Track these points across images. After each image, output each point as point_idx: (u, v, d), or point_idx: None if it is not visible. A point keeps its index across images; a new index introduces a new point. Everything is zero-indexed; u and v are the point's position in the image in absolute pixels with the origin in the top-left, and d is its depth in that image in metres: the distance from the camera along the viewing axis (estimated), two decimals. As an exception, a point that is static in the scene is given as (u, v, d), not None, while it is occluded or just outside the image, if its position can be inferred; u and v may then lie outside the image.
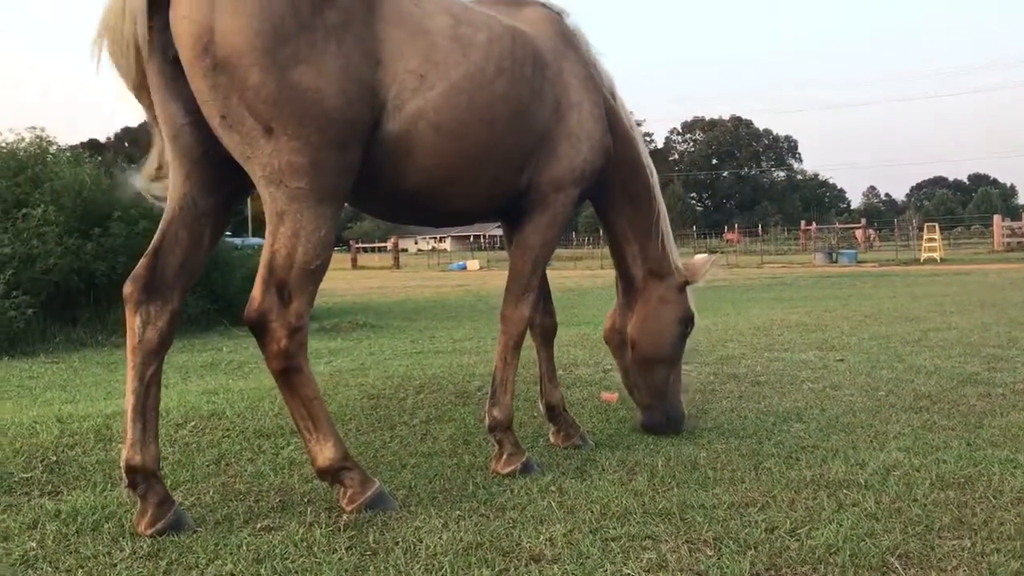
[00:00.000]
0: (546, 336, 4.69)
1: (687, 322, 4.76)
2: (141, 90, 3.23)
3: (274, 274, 3.17)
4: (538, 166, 4.00)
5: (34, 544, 3.11)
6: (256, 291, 3.19)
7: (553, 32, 4.18)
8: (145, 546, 3.08)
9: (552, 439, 4.65)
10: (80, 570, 2.89)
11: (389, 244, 60.01)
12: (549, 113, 3.97)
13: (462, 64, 3.56)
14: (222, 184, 3.36)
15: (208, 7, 2.98)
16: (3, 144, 12.84)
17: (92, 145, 36.66)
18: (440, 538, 3.16)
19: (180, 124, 3.23)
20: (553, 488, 3.78)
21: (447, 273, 39.10)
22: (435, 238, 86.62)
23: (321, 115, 3.11)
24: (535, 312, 4.38)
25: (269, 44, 3.01)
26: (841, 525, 3.22)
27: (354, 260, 51.79)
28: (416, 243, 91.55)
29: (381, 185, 3.56)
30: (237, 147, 3.11)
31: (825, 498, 3.57)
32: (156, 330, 3.22)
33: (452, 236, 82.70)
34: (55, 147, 13.20)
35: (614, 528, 3.24)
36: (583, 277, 27.73)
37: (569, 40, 4.26)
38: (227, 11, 2.98)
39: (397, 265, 48.74)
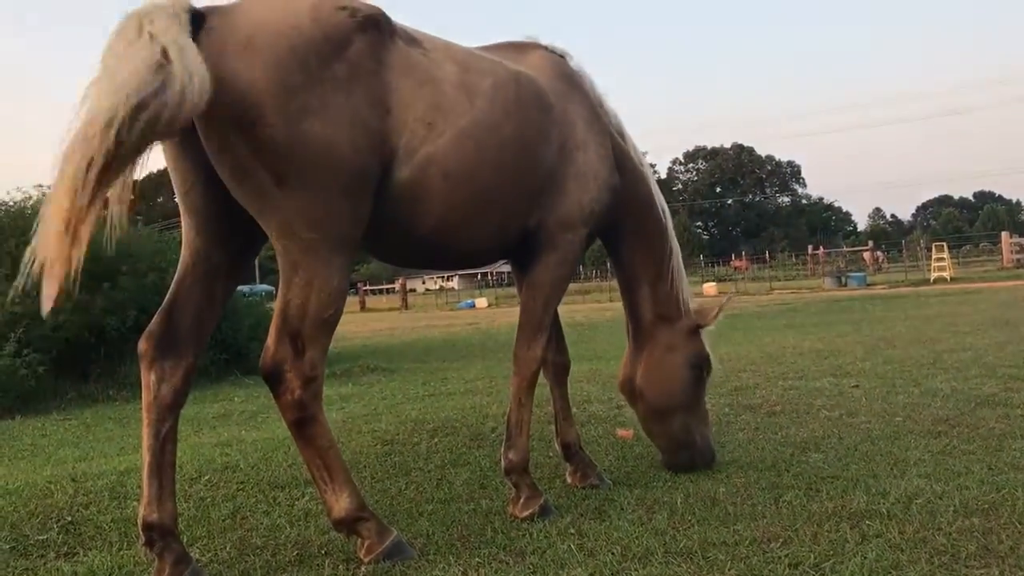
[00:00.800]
0: (559, 374, 4.67)
1: (700, 366, 4.66)
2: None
3: (288, 324, 3.17)
4: (546, 206, 4.01)
5: (51, 608, 3.08)
6: (270, 341, 3.20)
7: (556, 75, 4.22)
8: (163, 606, 3.05)
9: (569, 479, 4.61)
10: (98, 634, 2.86)
11: (397, 285, 60.11)
12: (555, 154, 3.99)
13: (469, 111, 3.59)
14: (233, 238, 3.39)
15: (221, 60, 3.00)
16: (10, 203, 12.98)
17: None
18: (460, 586, 3.12)
19: (192, 181, 3.27)
20: (572, 530, 3.74)
21: (456, 312, 39.08)
22: (443, 277, 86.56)
23: (332, 166, 3.13)
24: (548, 351, 4.35)
25: (280, 96, 3.04)
26: (866, 558, 3.17)
27: (362, 303, 51.83)
28: (424, 283, 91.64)
29: (393, 232, 3.57)
30: (250, 200, 3.14)
31: (848, 530, 3.52)
32: (171, 386, 3.23)
33: (459, 274, 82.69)
34: (62, 204, 13.30)
35: (636, 570, 3.20)
36: (592, 311, 27.67)
37: (573, 82, 4.30)
38: (240, 66, 3.01)
39: (406, 306, 48.74)
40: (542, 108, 3.97)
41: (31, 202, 13.08)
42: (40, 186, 13.20)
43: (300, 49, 3.10)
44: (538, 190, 3.95)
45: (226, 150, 3.07)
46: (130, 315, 10.98)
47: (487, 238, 3.90)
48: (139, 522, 3.20)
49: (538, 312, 4.11)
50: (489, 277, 71.65)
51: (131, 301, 11.05)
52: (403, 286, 54.37)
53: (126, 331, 10.84)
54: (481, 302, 44.96)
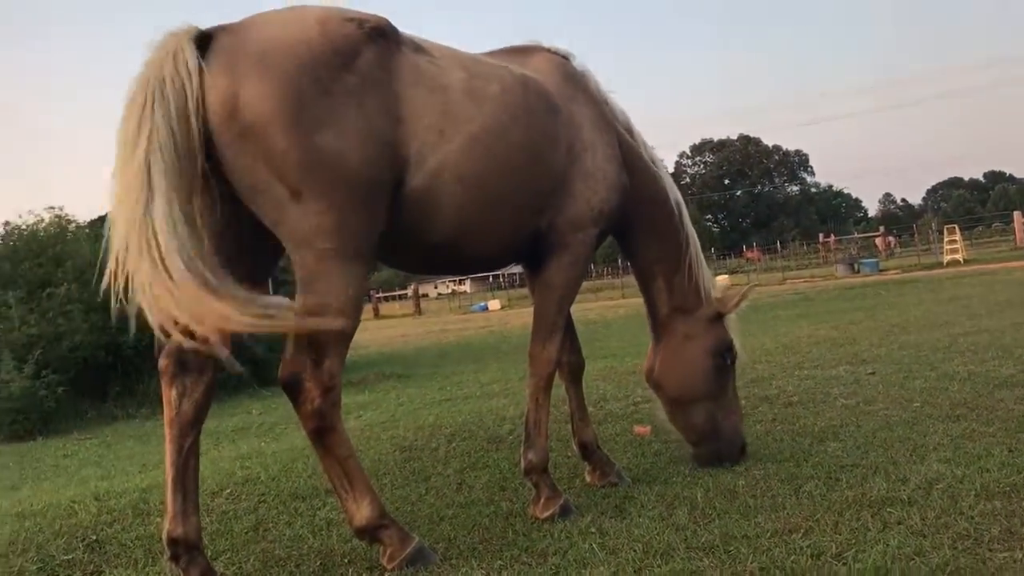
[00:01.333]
0: (574, 374, 4.68)
1: (723, 353, 4.65)
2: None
3: (306, 335, 3.20)
4: (556, 208, 4.03)
5: (80, 627, 3.11)
6: (288, 351, 3.24)
7: (561, 76, 4.24)
8: (190, 621, 3.07)
9: (588, 478, 4.62)
10: (127, 651, 2.89)
11: (410, 291, 60.15)
12: (563, 156, 4.01)
13: (478, 116, 3.62)
14: (249, 255, 3.43)
15: (234, 78, 3.06)
16: (24, 226, 13.08)
17: (110, 219, 37.26)
18: (483, 590, 3.13)
19: (209, 196, 3.28)
20: (593, 529, 3.75)
21: (469, 315, 39.13)
22: (455, 281, 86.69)
23: (346, 176, 3.16)
24: (562, 351, 4.36)
25: (292, 110, 3.07)
26: (888, 545, 3.17)
27: (376, 310, 51.93)
28: (436, 287, 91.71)
29: (408, 239, 3.61)
30: (266, 213, 3.18)
31: (869, 518, 3.52)
32: (192, 402, 3.27)
33: (471, 278, 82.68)
34: (74, 224, 13.44)
35: (658, 566, 3.20)
36: (605, 308, 27.64)
37: (578, 82, 4.32)
38: (253, 81, 3.06)
39: (419, 311, 48.82)
40: (549, 110, 3.99)
41: (43, 224, 13.17)
42: (51, 208, 13.31)
43: (310, 63, 3.14)
44: (548, 192, 3.97)
45: (242, 166, 3.11)
46: (146, 332, 11.03)
47: (500, 241, 3.93)
48: (164, 537, 3.23)
49: (552, 313, 4.12)
50: (501, 279, 71.52)
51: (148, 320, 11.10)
52: (416, 292, 54.46)
53: (142, 348, 10.91)
54: (494, 304, 44.99)
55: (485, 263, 4.24)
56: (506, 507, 4.26)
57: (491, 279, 76.40)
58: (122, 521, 4.58)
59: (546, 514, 3.98)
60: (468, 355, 15.54)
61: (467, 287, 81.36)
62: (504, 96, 3.78)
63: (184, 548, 3.20)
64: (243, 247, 3.39)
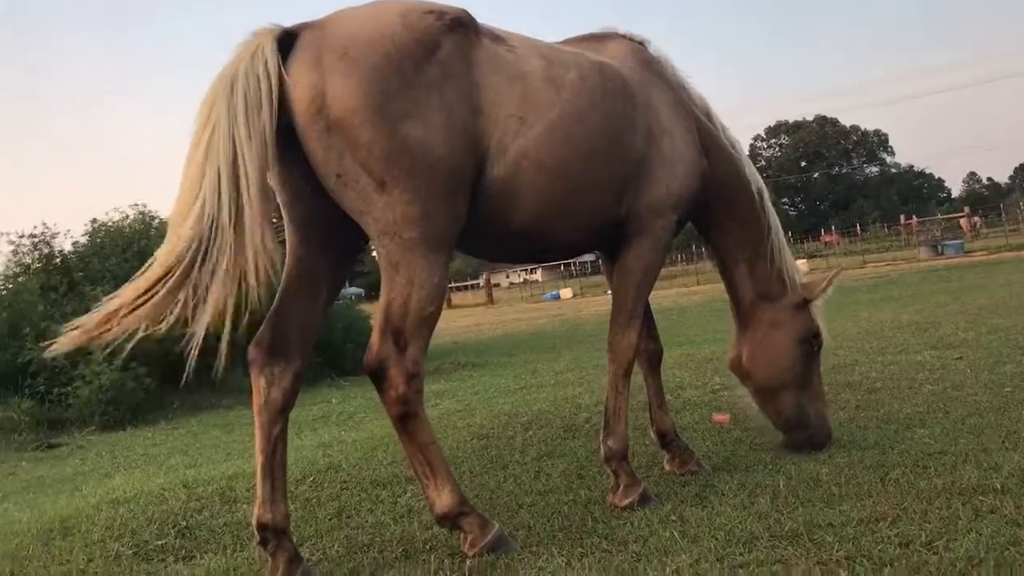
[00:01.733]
0: (652, 361, 4.65)
1: (809, 340, 4.57)
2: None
3: (390, 322, 3.27)
4: (636, 194, 4.01)
5: (175, 610, 3.21)
6: (374, 339, 3.30)
7: (638, 62, 4.22)
8: (278, 605, 3.14)
9: (667, 467, 4.59)
10: (220, 633, 2.97)
11: (482, 280, 60.53)
12: (642, 141, 4.00)
13: (557, 103, 3.65)
14: (335, 244, 3.53)
15: (320, 73, 3.15)
16: (110, 223, 13.54)
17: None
18: (565, 577, 3.14)
19: (296, 191, 3.40)
20: (674, 517, 3.72)
21: (541, 304, 39.18)
22: (526, 270, 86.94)
23: (430, 166, 3.22)
24: (641, 339, 4.33)
25: (377, 102, 3.15)
26: (981, 534, 3.07)
27: (449, 299, 52.35)
28: (508, 276, 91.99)
29: (488, 227, 3.64)
30: (352, 203, 3.24)
31: (960, 506, 3.42)
32: (280, 390, 3.37)
33: (543, 267, 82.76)
34: (157, 220, 13.86)
35: (741, 554, 3.16)
36: (680, 295, 27.38)
37: (654, 68, 4.30)
38: (337, 75, 3.14)
39: (491, 300, 49.08)
40: (627, 96, 3.98)
41: (127, 221, 13.62)
42: (135, 205, 13.75)
43: (394, 55, 3.21)
44: (627, 178, 3.96)
45: (330, 159, 3.19)
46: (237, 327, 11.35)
47: (579, 228, 3.94)
48: (254, 522, 3.33)
49: (631, 299, 4.11)
50: (572, 268, 71.42)
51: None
52: (488, 281, 54.75)
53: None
54: (566, 293, 44.94)
55: (564, 250, 4.25)
56: (584, 495, 4.26)
57: (563, 268, 76.39)
58: (210, 508, 4.71)
59: (625, 502, 3.97)
60: (541, 344, 15.57)
61: (539, 276, 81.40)
62: (582, 82, 3.78)
63: (273, 533, 3.29)
64: (331, 238, 3.49)
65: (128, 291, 3.04)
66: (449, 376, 11.39)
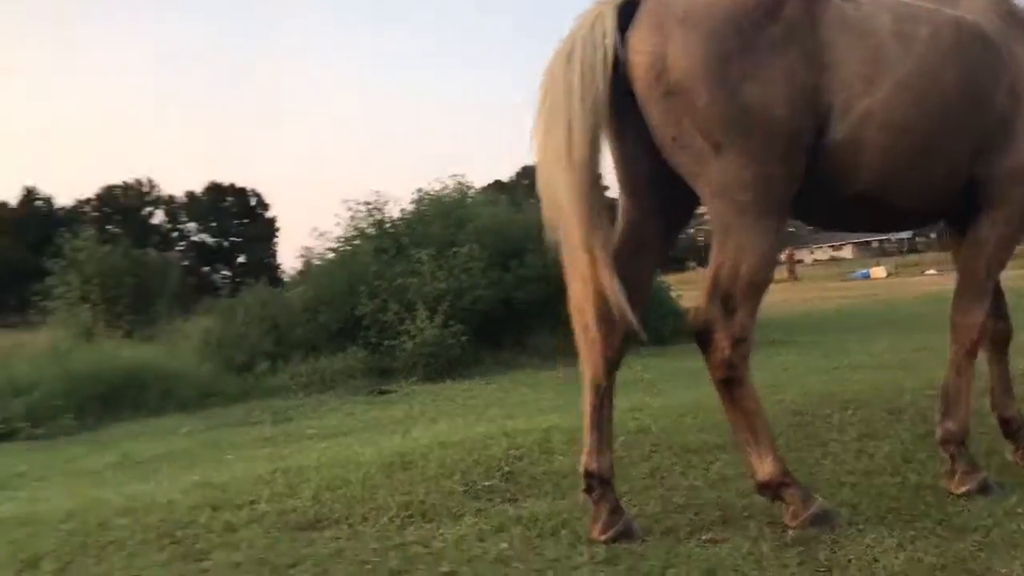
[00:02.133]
0: (999, 343, 4.24)
1: None
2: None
3: (719, 286, 3.26)
4: (996, 156, 3.68)
5: (505, 545, 3.45)
6: (701, 301, 3.32)
7: (999, 14, 3.85)
8: (601, 552, 3.29)
9: (1010, 457, 4.20)
10: (549, 571, 3.16)
11: (784, 256, 58.38)
12: (1004, 97, 3.66)
13: (906, 60, 3.45)
14: (664, 211, 3.57)
15: (660, 38, 3.20)
16: (431, 192, 14.61)
17: (497, 185, 40.79)
18: (897, 558, 3.01)
19: (631, 155, 3.48)
20: (1020, 510, 3.41)
21: (849, 283, 37.07)
22: (832, 246, 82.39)
23: (768, 129, 3.18)
24: (988, 317, 3.98)
25: (717, 66, 3.15)
26: None
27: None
28: (812, 253, 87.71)
29: (825, 192, 3.51)
30: (686, 166, 3.28)
31: None
32: (612, 349, 3.43)
33: (852, 243, 78.03)
34: (472, 190, 14.76)
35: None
36: (1021, 276, 24.69)
37: (1019, 20, 3.90)
38: (677, 40, 3.18)
39: (794, 276, 47.10)
40: (985, 49, 3.66)
41: (447, 191, 14.61)
42: (454, 176, 14.72)
43: (735, 17, 3.20)
44: (985, 139, 3.65)
45: (667, 122, 3.23)
46: (535, 289, 11.91)
47: (927, 194, 3.70)
48: (581, 469, 3.48)
49: (980, 274, 3.79)
50: (886, 245, 66.69)
51: (537, 277, 11.95)
52: (791, 257, 52.55)
53: (533, 304, 11.81)
54: (878, 271, 42.17)
55: (908, 218, 4.03)
56: (914, 479, 4.00)
57: (875, 245, 71.62)
58: (530, 456, 4.97)
59: (962, 489, 3.69)
60: (852, 324, 14.78)
61: (847, 253, 76.85)
62: (935, 38, 3.53)
63: (598, 481, 3.43)
64: (663, 203, 3.53)
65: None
66: (756, 351, 11.03)
